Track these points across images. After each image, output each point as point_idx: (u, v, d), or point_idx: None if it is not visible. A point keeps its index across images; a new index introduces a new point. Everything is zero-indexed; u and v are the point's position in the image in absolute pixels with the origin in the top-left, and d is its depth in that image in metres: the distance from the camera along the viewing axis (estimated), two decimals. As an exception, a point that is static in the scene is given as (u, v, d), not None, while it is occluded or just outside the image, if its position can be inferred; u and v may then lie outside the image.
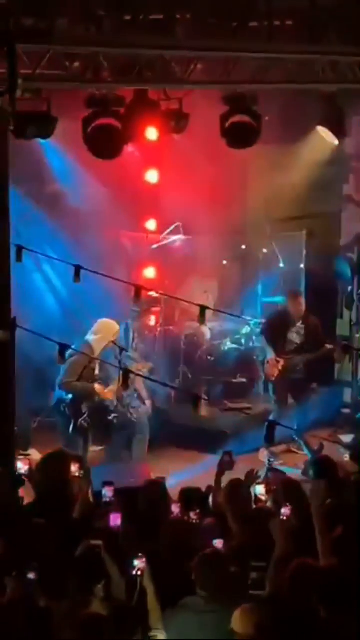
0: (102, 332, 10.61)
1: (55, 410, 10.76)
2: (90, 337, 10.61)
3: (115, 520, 6.49)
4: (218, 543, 6.35)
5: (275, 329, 11.92)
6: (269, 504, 7.16)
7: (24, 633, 5.17)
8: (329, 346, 11.78)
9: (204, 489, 7.91)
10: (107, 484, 7.03)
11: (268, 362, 11.83)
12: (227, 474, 7.95)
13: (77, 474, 7.32)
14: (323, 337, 11.90)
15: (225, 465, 7.99)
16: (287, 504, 6.70)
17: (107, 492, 6.93)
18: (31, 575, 5.55)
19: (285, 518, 6.57)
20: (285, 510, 6.64)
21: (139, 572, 5.71)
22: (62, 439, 10.47)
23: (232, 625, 5.28)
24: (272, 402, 12.11)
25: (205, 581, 5.92)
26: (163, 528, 6.81)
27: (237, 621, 5.28)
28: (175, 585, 6.06)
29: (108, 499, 6.92)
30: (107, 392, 10.57)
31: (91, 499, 7.84)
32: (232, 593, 5.88)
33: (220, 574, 5.96)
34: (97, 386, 10.47)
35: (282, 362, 11.71)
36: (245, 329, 13.41)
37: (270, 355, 11.80)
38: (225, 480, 7.86)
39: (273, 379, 11.80)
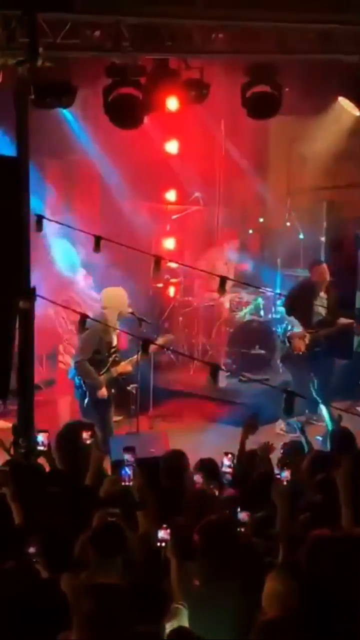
0: (112, 302, 10.53)
1: (72, 382, 10.78)
2: (104, 310, 10.54)
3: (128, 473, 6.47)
4: (244, 515, 6.31)
5: (302, 302, 11.74)
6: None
7: (25, 603, 5.17)
8: (345, 320, 11.70)
9: (220, 460, 7.90)
10: (127, 449, 6.99)
11: (293, 335, 11.70)
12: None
13: (88, 442, 7.33)
14: (341, 309, 11.84)
15: (249, 429, 7.99)
16: (288, 468, 6.71)
17: (129, 457, 6.88)
18: (32, 549, 5.57)
19: (286, 482, 6.57)
20: (286, 474, 6.64)
21: (163, 544, 5.71)
22: (80, 410, 10.50)
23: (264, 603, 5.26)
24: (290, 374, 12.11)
25: (207, 548, 5.91)
26: (185, 499, 6.83)
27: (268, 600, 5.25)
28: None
29: (130, 464, 6.87)
30: (126, 365, 10.56)
31: (108, 469, 7.90)
32: (239, 562, 5.85)
33: (223, 541, 5.92)
34: (103, 390, 10.39)
35: (307, 335, 11.62)
36: (258, 300, 13.37)
37: (297, 329, 11.67)
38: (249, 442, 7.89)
39: (301, 353, 11.67)
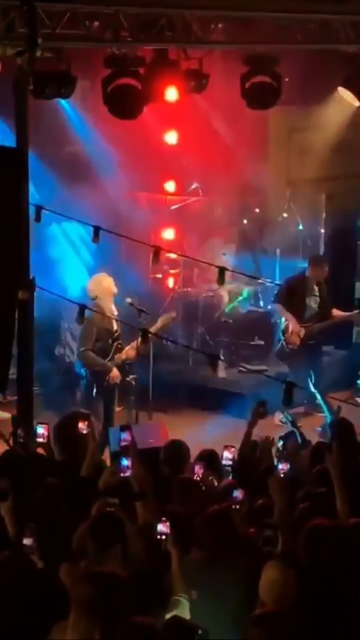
0: (101, 290, 10.46)
1: (76, 372, 10.76)
2: (95, 300, 10.45)
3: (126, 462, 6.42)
4: (239, 493, 6.30)
5: (294, 297, 11.75)
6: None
7: (21, 593, 5.18)
8: (340, 312, 11.69)
9: (219, 450, 7.90)
10: (124, 428, 6.93)
11: (289, 330, 11.63)
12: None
13: (85, 432, 7.32)
14: (335, 301, 11.83)
15: (257, 415, 7.97)
16: (285, 461, 6.70)
17: (126, 436, 6.81)
18: (27, 542, 5.57)
19: (283, 474, 6.57)
20: (283, 466, 6.63)
21: (163, 537, 5.71)
22: (84, 400, 10.47)
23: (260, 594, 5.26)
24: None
25: (207, 539, 5.91)
26: (177, 489, 6.83)
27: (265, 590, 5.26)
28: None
29: (127, 443, 6.82)
30: (129, 350, 10.49)
31: (107, 459, 7.89)
32: (237, 552, 5.85)
33: (222, 533, 5.93)
34: (114, 371, 10.37)
35: (302, 330, 11.60)
36: (246, 291, 13.37)
37: (292, 323, 11.63)
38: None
39: (295, 347, 11.65)
